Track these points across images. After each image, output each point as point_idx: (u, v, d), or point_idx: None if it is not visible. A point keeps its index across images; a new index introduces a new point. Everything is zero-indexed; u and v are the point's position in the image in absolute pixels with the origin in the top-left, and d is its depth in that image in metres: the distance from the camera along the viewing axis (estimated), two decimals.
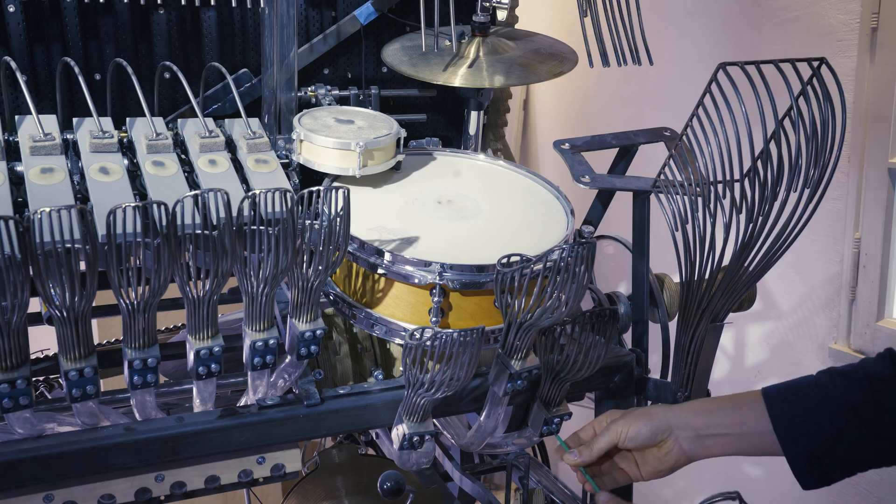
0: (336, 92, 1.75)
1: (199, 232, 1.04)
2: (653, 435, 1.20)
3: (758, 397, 1.17)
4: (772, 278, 2.24)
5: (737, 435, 1.18)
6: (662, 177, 1.30)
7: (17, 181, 1.24)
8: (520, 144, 3.67)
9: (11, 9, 1.53)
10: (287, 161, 1.45)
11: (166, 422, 1.13)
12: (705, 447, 1.19)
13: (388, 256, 1.26)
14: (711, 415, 1.20)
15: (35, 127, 1.29)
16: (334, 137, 1.42)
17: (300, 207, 1.09)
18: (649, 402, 1.48)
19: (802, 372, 1.18)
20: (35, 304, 1.05)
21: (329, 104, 1.68)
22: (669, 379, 1.43)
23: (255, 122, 1.46)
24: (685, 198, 1.24)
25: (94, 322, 1.09)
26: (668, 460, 1.20)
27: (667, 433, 1.19)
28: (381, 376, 1.33)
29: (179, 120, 1.44)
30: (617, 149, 1.54)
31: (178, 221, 1.01)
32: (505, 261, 1.16)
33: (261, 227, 1.06)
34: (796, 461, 1.13)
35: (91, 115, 1.32)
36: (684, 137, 1.19)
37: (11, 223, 0.94)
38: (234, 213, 1.05)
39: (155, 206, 1.00)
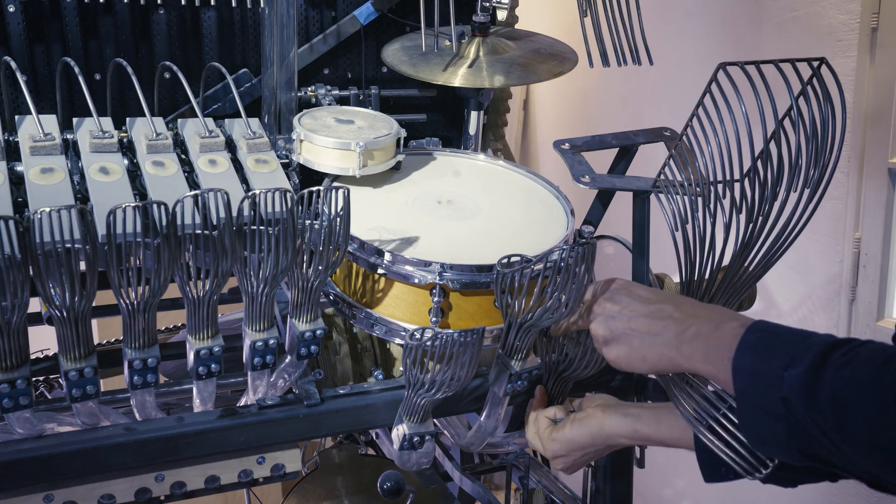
0: (336, 92, 1.75)
1: (199, 232, 1.04)
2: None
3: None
4: (772, 278, 2.23)
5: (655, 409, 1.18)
6: (662, 177, 1.30)
7: (17, 181, 1.24)
8: (520, 144, 3.68)
9: (11, 9, 1.53)
10: (287, 161, 1.45)
11: (166, 422, 1.13)
12: (627, 414, 1.18)
13: (388, 256, 1.26)
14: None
15: (35, 127, 1.29)
16: (334, 137, 1.42)
17: (300, 207, 1.09)
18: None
19: None
20: (35, 304, 1.05)
21: (329, 104, 1.68)
22: None
23: (255, 122, 1.46)
24: (685, 198, 1.24)
25: (94, 322, 1.09)
26: (584, 425, 1.19)
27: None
28: (381, 376, 1.33)
29: (179, 120, 1.44)
30: (617, 149, 1.54)
31: (178, 221, 1.01)
32: (505, 261, 1.16)
33: (261, 227, 1.06)
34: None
35: (91, 115, 1.32)
36: (684, 137, 1.19)
37: (11, 223, 0.94)
38: (234, 213, 1.05)
39: (155, 206, 1.00)
